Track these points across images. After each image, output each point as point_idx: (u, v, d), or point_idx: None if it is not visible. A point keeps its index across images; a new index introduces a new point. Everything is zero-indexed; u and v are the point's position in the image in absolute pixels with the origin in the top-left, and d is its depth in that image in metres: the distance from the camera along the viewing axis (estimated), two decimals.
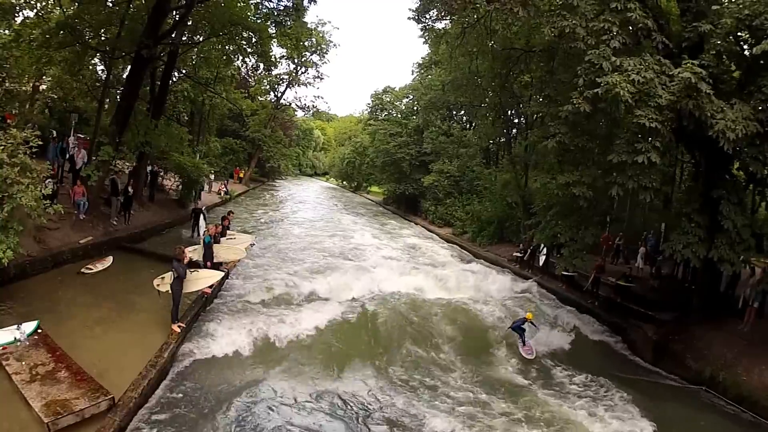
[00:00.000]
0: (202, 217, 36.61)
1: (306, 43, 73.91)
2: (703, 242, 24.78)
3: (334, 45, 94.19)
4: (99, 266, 27.14)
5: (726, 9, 23.21)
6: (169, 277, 21.49)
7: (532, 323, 26.85)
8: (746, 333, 25.66)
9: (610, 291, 34.19)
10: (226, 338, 22.21)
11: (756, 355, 23.86)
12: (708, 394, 23.81)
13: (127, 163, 41.60)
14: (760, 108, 22.13)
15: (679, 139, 26.21)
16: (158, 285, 22.02)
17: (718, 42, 23.00)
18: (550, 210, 33.87)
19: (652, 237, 39.23)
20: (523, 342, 26.10)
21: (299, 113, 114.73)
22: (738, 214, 24.31)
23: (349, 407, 19.51)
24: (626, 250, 42.32)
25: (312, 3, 41.54)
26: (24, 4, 30.26)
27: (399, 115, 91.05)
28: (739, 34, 24.36)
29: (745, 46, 24.74)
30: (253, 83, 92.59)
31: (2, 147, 19.26)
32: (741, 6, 22.35)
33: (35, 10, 34.19)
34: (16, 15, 29.84)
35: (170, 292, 21.13)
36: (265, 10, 43.10)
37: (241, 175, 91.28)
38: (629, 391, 22.41)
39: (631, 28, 24.71)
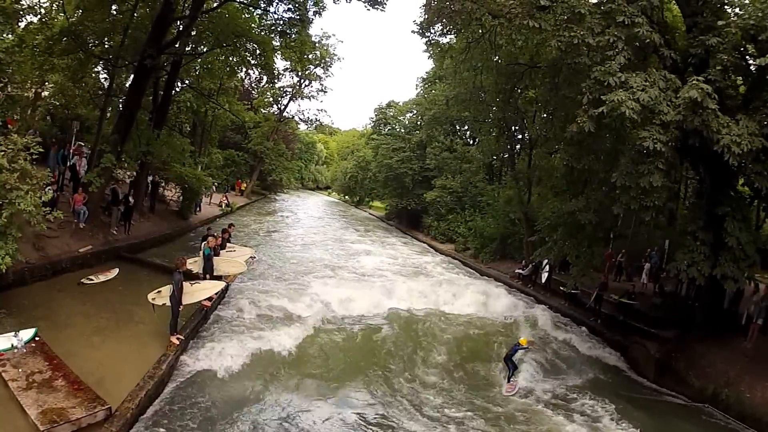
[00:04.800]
0: None
1: (310, 56, 73.74)
2: (708, 260, 24.65)
3: (338, 58, 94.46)
4: (102, 277, 26.87)
5: (732, 21, 23.16)
6: (166, 290, 21.32)
7: (527, 348, 25.60)
8: (749, 350, 25.58)
9: (612, 308, 34.02)
10: (225, 351, 21.96)
11: (759, 372, 23.80)
12: (711, 412, 23.72)
13: (128, 173, 41.52)
14: (765, 123, 22.09)
15: (683, 155, 26.11)
16: (153, 299, 21.75)
17: (724, 57, 22.93)
18: (556, 229, 33.83)
19: (655, 254, 39.10)
20: (509, 378, 24.58)
21: (302, 126, 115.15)
22: (742, 231, 24.21)
23: (347, 423, 19.44)
24: (630, 267, 42.19)
25: (317, 15, 41.47)
26: (28, 9, 30.23)
27: (402, 130, 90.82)
28: (744, 48, 24.38)
29: (751, 61, 24.71)
30: (257, 95, 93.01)
31: (3, 152, 19.14)
32: (746, 18, 22.32)
33: (39, 16, 34.22)
34: (20, 20, 29.83)
35: (167, 304, 20.97)
36: (269, 22, 43.07)
37: (243, 187, 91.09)
38: (631, 409, 22.32)
39: (637, 43, 24.65)
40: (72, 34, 33.33)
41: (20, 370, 16.15)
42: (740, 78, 25.62)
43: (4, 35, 29.10)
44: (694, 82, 21.47)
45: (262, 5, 42.16)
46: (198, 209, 54.46)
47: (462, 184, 68.67)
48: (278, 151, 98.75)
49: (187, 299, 21.77)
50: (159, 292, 21.84)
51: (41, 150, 21.26)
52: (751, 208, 29.02)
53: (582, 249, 31.79)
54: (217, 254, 29.31)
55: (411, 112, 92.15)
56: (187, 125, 65.82)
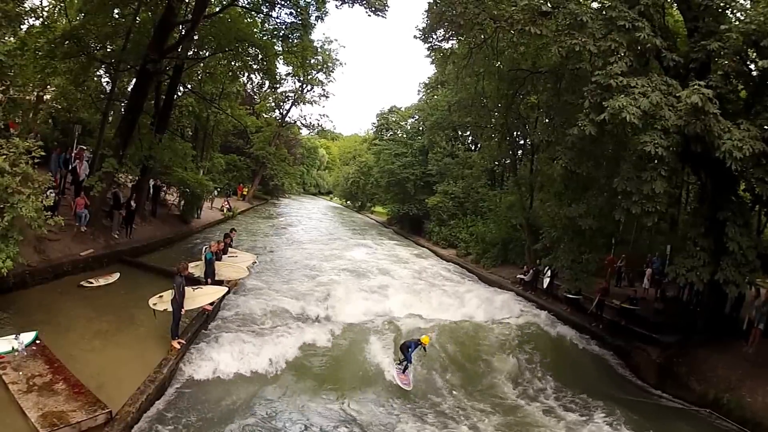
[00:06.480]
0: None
1: (312, 61, 73.59)
2: (707, 265, 24.67)
3: (341, 63, 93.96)
4: (102, 281, 26.92)
5: (734, 26, 23.18)
6: (168, 295, 21.32)
7: (424, 348, 24.55)
8: (751, 354, 25.61)
9: (614, 313, 33.98)
10: (226, 356, 22.02)
11: (761, 377, 23.81)
12: (712, 417, 23.74)
13: (130, 177, 41.53)
14: (766, 127, 22.09)
15: (685, 161, 26.13)
16: (155, 304, 21.73)
17: (726, 62, 22.96)
18: (561, 238, 33.93)
19: (657, 259, 39.13)
20: (404, 369, 23.94)
21: (304, 131, 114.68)
22: (744, 236, 24.22)
23: (347, 427, 19.43)
24: (632, 272, 42.20)
25: (319, 20, 41.46)
26: (30, 12, 30.19)
27: (404, 135, 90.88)
28: (745, 53, 24.38)
29: (752, 66, 24.72)
30: (259, 100, 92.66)
31: (4, 156, 19.15)
32: (748, 23, 22.33)
33: (41, 19, 34.20)
34: (22, 23, 29.82)
35: (168, 310, 20.95)
36: (271, 26, 43.17)
37: (245, 192, 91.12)
38: (632, 414, 22.24)
39: (639, 48, 24.67)
40: (74, 37, 33.42)
41: (21, 373, 16.17)
42: (741, 84, 25.58)
43: (6, 38, 29.11)
44: (695, 87, 21.47)
45: (265, 10, 42.27)
46: (199, 213, 54.30)
47: (464, 189, 68.57)
48: (280, 156, 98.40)
49: (188, 304, 21.76)
50: (161, 297, 21.81)
51: (43, 153, 21.25)
52: (753, 213, 28.98)
53: (579, 254, 31.87)
54: (219, 259, 29.36)
55: (413, 118, 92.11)
56: (189, 130, 65.95)
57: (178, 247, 42.26)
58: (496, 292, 42.32)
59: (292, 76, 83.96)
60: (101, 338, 20.26)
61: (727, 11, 25.78)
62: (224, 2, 40.59)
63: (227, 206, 68.40)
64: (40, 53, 33.40)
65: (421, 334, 26.38)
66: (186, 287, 21.46)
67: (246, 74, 55.90)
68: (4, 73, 25.81)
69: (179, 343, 20.83)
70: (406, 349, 23.94)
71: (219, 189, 67.70)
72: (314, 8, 40.63)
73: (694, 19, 25.91)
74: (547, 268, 41.02)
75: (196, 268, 27.42)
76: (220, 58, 45.27)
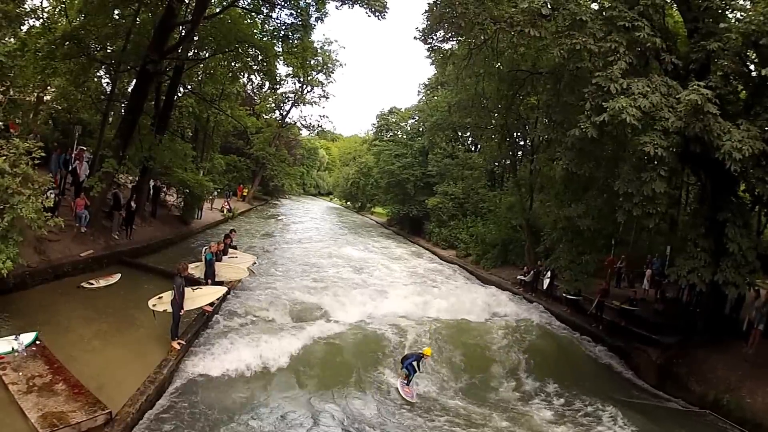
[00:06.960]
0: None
1: (312, 62, 73.65)
2: (708, 266, 24.64)
3: (341, 64, 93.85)
4: (103, 282, 26.87)
5: (733, 26, 23.18)
6: (167, 296, 21.37)
7: (424, 359, 23.96)
8: (751, 355, 25.57)
9: (614, 314, 33.96)
10: (225, 356, 21.98)
11: (760, 378, 23.80)
12: (712, 418, 23.71)
13: (130, 177, 41.49)
14: (766, 128, 22.07)
15: (684, 161, 26.10)
16: (154, 305, 21.73)
17: (725, 62, 22.93)
18: (555, 233, 33.97)
19: (657, 260, 39.07)
20: (408, 382, 23.46)
21: (304, 132, 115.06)
22: (743, 237, 24.21)
23: (348, 427, 19.39)
24: (632, 273, 42.17)
25: (319, 21, 41.45)
26: (30, 13, 30.16)
27: (404, 136, 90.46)
28: (745, 53, 24.37)
29: (752, 67, 24.71)
30: (259, 101, 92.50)
31: (5, 157, 19.13)
32: (748, 23, 22.32)
33: (41, 20, 34.18)
34: (22, 24, 29.80)
35: (168, 310, 21.03)
36: (271, 27, 43.16)
37: (245, 193, 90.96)
38: (632, 415, 22.18)
39: (639, 48, 24.67)
40: (74, 38, 33.39)
41: (21, 373, 16.20)
42: (741, 84, 25.57)
43: (7, 39, 29.09)
44: (694, 87, 21.48)
45: (265, 11, 42.27)
46: (200, 214, 54.29)
47: (464, 190, 68.33)
48: (280, 156, 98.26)
49: (188, 304, 21.81)
50: (160, 298, 21.80)
51: (43, 154, 21.22)
52: (752, 213, 28.97)
53: (578, 255, 31.88)
54: (219, 260, 29.34)
55: (413, 119, 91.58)
56: (189, 130, 65.84)
57: (179, 247, 42.25)
58: (496, 293, 42.18)
59: (292, 77, 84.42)
60: (101, 339, 20.31)
61: (726, 11, 25.81)
62: (224, 3, 40.61)
63: (227, 207, 68.38)
64: (40, 54, 33.38)
65: (422, 343, 26.54)
66: (186, 288, 21.51)
67: (246, 75, 55.77)
68: (5, 73, 25.77)
69: (179, 343, 20.87)
70: (409, 364, 23.64)
71: (219, 190, 67.52)
72: (314, 9, 40.66)
73: (694, 19, 25.92)
74: (547, 270, 40.99)
75: (196, 269, 27.43)
76: (220, 59, 45.26)
